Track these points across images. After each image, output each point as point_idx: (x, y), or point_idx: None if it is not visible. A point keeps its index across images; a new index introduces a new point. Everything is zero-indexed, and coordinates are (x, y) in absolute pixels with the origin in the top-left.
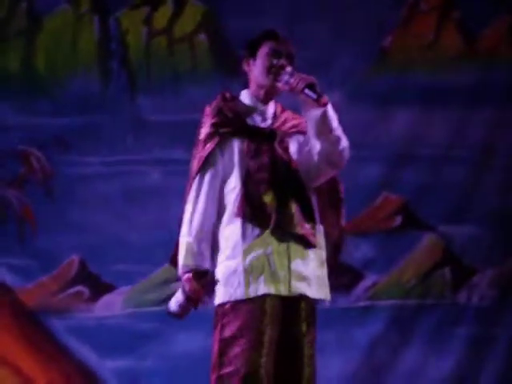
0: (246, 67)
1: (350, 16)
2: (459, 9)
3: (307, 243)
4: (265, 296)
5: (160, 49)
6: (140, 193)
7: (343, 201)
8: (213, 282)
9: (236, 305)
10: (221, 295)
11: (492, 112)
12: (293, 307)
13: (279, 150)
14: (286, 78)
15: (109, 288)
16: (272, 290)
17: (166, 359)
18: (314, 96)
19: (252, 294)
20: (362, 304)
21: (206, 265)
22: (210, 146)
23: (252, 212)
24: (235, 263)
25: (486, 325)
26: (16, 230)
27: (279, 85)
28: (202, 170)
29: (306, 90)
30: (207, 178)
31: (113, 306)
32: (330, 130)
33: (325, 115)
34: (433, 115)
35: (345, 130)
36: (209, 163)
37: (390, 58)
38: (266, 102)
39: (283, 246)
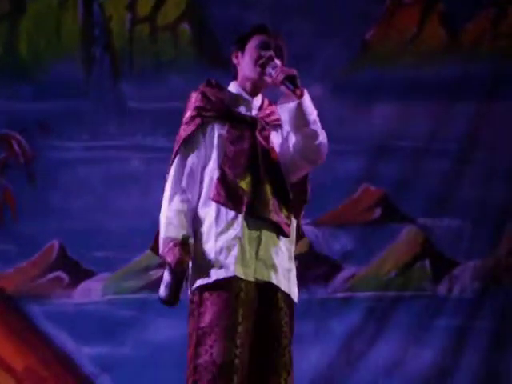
0: (234, 60)
1: (333, 9)
2: (443, 2)
3: (281, 231)
4: (239, 283)
5: (143, 36)
6: (121, 179)
7: (306, 203)
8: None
9: (211, 293)
10: (195, 280)
11: (474, 105)
12: (269, 296)
13: (260, 138)
14: (269, 70)
15: (88, 274)
16: (241, 274)
17: (144, 346)
18: (291, 87)
19: (222, 275)
20: (340, 295)
21: (186, 234)
22: (191, 128)
23: (227, 196)
24: (208, 246)
25: (465, 317)
26: None
27: (265, 77)
28: (184, 150)
29: (285, 81)
30: (189, 158)
31: (92, 292)
32: (306, 123)
33: (300, 107)
34: (415, 108)
35: (327, 123)
36: (190, 144)
37: (372, 51)
38: (253, 94)
39: (255, 231)
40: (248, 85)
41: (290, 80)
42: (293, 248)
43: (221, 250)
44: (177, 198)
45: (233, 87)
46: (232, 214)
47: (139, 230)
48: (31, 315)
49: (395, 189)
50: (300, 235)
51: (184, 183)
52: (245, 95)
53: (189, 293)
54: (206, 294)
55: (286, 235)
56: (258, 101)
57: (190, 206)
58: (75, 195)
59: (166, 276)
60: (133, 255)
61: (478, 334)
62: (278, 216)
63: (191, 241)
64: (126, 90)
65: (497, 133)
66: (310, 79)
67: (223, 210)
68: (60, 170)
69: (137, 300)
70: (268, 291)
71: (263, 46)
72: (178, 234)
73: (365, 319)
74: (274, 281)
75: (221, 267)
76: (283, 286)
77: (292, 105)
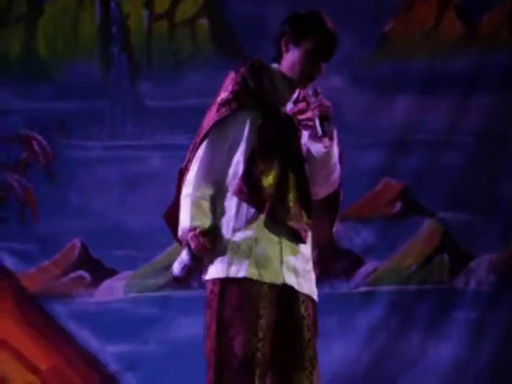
0: (283, 46)
1: (351, 1)
2: None
3: (298, 238)
4: (257, 284)
5: (161, 33)
6: (141, 178)
7: (339, 208)
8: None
9: (231, 285)
10: (208, 271)
11: (491, 97)
12: (290, 292)
13: (292, 139)
14: (309, 91)
15: (110, 273)
16: (254, 275)
17: (166, 344)
18: (320, 133)
19: (232, 274)
20: (362, 289)
21: (212, 223)
22: (225, 111)
23: (249, 194)
24: (224, 240)
25: (483, 309)
26: (18, 214)
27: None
28: (215, 133)
29: (317, 121)
30: (220, 143)
31: (114, 290)
32: (327, 166)
33: (327, 155)
34: (433, 101)
35: (346, 115)
36: (222, 129)
37: (390, 43)
38: (292, 86)
39: (275, 235)
40: (289, 76)
41: (322, 120)
42: (310, 250)
43: (237, 247)
44: (204, 184)
45: (274, 73)
46: (252, 212)
47: (160, 228)
48: (54, 314)
49: (415, 182)
50: (329, 245)
51: (212, 169)
52: (284, 85)
53: (204, 280)
54: (226, 286)
55: (304, 242)
56: (295, 93)
57: (214, 193)
58: (96, 194)
59: (185, 258)
60: (154, 253)
61: (495, 326)
62: (298, 223)
63: (213, 226)
64: (144, 89)
65: None
66: (329, 71)
67: (244, 206)
68: (80, 169)
69: (159, 298)
70: (289, 292)
71: (315, 55)
72: (204, 222)
73: (387, 313)
74: (296, 286)
75: (233, 265)
76: (306, 290)
77: (320, 150)
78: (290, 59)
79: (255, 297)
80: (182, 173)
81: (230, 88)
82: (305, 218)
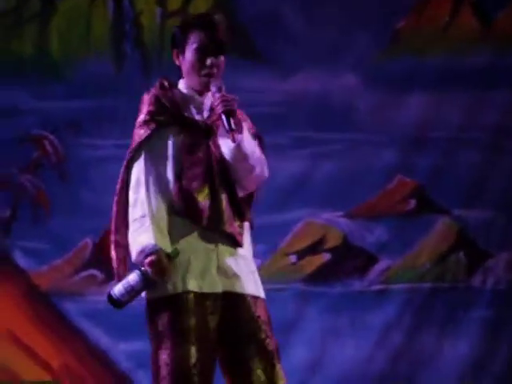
0: (175, 57)
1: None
2: None
3: (234, 242)
4: (191, 295)
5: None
6: None
7: (254, 197)
8: None
9: (164, 300)
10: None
11: (506, 94)
12: (234, 296)
13: (214, 147)
14: (213, 89)
15: None
16: (194, 287)
17: None
18: (227, 127)
19: (171, 291)
20: (376, 288)
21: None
22: (146, 132)
23: (185, 208)
24: None
25: (500, 308)
26: (30, 213)
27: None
28: (146, 154)
29: (223, 116)
30: (154, 163)
31: None
32: (244, 159)
33: (238, 148)
34: (447, 98)
35: (360, 113)
36: (150, 148)
37: (404, 40)
38: (202, 93)
39: (211, 243)
40: (195, 85)
41: (228, 116)
42: (251, 251)
43: (174, 262)
44: (154, 205)
45: (183, 87)
46: (190, 226)
47: None
48: (66, 312)
49: (430, 180)
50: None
51: (157, 188)
52: (195, 96)
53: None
54: (160, 302)
55: (239, 245)
56: (209, 99)
57: (162, 213)
58: (108, 193)
59: (135, 282)
60: None
61: None
62: (232, 226)
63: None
64: None
65: None
66: (342, 69)
67: (181, 222)
68: (92, 168)
69: None
70: (233, 296)
71: (204, 51)
72: (167, 245)
73: (401, 311)
74: (239, 289)
75: (171, 281)
76: (251, 290)
77: (230, 144)
78: (185, 68)
79: (188, 307)
80: (120, 198)
81: (145, 109)
82: (237, 221)
